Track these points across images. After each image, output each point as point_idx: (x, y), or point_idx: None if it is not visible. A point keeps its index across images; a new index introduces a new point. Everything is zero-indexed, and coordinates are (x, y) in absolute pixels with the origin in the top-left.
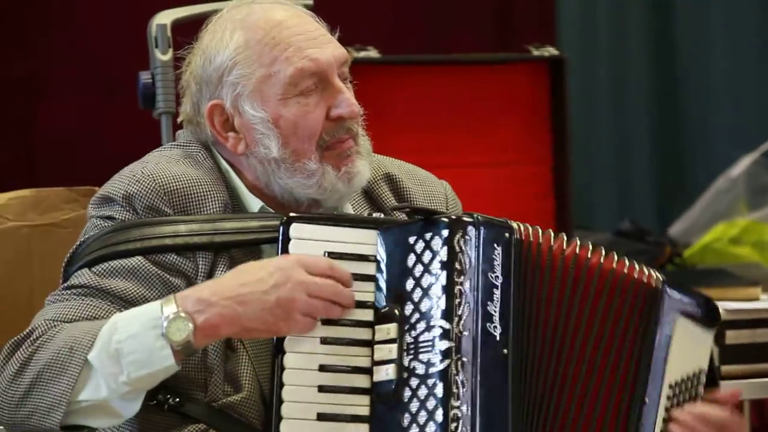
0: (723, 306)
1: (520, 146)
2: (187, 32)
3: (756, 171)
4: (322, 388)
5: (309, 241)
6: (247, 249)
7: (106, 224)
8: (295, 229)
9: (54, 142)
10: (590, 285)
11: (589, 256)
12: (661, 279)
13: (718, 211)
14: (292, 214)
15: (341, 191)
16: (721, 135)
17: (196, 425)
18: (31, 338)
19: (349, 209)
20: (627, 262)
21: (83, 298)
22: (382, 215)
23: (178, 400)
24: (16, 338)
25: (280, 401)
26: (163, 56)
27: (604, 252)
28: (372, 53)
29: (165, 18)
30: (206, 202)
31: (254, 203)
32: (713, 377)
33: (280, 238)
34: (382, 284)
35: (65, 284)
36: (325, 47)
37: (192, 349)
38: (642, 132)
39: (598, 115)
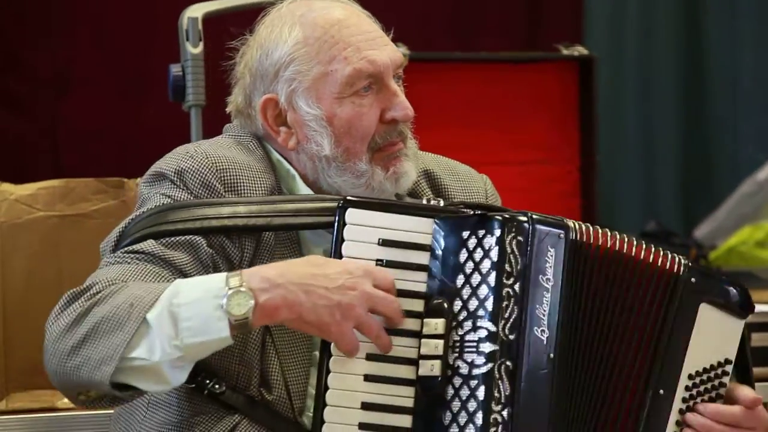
0: None
1: (548, 145)
2: (213, 29)
3: None
4: (367, 377)
5: (364, 227)
6: (289, 241)
7: (164, 200)
8: (351, 215)
9: (81, 134)
10: (625, 279)
11: (625, 249)
12: (683, 263)
13: (744, 214)
14: (349, 198)
15: (388, 191)
16: (749, 137)
17: (229, 418)
18: (91, 292)
19: None
20: (653, 248)
21: (145, 264)
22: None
23: (218, 386)
24: (73, 290)
25: (326, 388)
26: (193, 49)
27: (635, 242)
28: (402, 50)
29: (196, 11)
30: (254, 186)
31: (306, 192)
32: (746, 369)
33: (336, 222)
34: (435, 274)
35: (127, 248)
36: (383, 49)
37: (248, 327)
38: (669, 133)
39: (625, 115)
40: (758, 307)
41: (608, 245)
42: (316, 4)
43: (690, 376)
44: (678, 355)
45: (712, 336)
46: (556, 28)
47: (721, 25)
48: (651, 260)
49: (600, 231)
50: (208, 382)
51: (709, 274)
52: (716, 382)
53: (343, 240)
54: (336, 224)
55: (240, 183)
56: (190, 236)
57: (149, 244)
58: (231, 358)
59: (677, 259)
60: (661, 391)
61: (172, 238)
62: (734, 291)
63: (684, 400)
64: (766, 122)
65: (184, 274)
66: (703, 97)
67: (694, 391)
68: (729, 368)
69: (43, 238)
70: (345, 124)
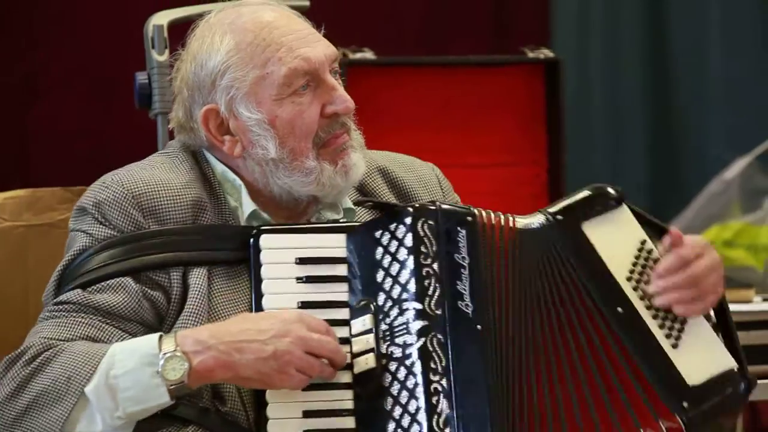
0: None
1: (516, 148)
2: (179, 37)
3: (750, 174)
4: (305, 387)
5: (280, 250)
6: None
7: (84, 240)
8: (265, 240)
9: (49, 142)
10: (520, 251)
11: (503, 223)
12: (542, 214)
13: (711, 214)
14: (262, 227)
15: (340, 185)
16: (716, 137)
17: (184, 429)
18: (26, 357)
19: (348, 203)
20: (517, 218)
21: (74, 315)
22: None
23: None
24: (10, 356)
25: (265, 403)
26: (159, 57)
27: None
28: (368, 54)
29: (162, 19)
30: (174, 205)
31: (247, 207)
32: (661, 230)
33: (251, 249)
34: (355, 283)
35: (54, 300)
36: (315, 45)
37: (186, 389)
38: (636, 134)
39: (592, 117)
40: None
41: (509, 226)
42: (244, 9)
43: (628, 278)
44: (604, 276)
45: (614, 236)
46: (522, 31)
47: (688, 26)
48: (522, 227)
49: (502, 216)
50: None
51: (569, 206)
52: (650, 263)
53: (260, 265)
54: (252, 252)
55: (158, 205)
56: (116, 278)
57: (75, 294)
58: None
59: (540, 214)
60: (620, 309)
61: (99, 284)
62: (595, 196)
63: (641, 298)
64: (734, 122)
65: (117, 315)
66: (670, 98)
67: (641, 284)
68: (648, 244)
69: (9, 249)
70: (287, 125)
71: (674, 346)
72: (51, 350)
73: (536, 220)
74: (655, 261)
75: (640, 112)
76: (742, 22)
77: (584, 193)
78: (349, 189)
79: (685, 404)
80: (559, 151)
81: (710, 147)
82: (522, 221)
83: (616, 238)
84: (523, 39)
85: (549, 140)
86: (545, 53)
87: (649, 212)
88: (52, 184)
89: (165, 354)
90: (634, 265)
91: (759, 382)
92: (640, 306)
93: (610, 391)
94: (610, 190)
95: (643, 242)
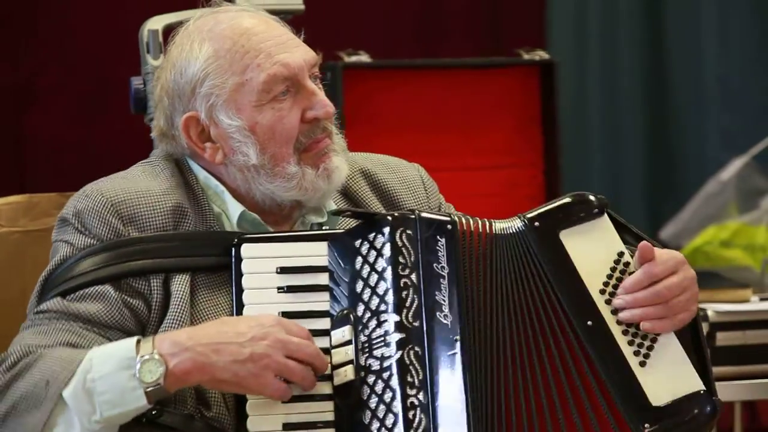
0: (714, 308)
1: (512, 150)
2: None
3: (747, 174)
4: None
5: (261, 259)
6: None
7: (65, 249)
8: (246, 250)
9: (44, 148)
10: (493, 259)
11: (480, 230)
12: (520, 219)
13: (709, 214)
14: (243, 236)
15: (322, 189)
16: (712, 138)
17: None
18: (6, 364)
19: (332, 206)
20: (495, 223)
21: (55, 322)
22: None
23: (155, 412)
24: None
25: (245, 415)
26: (154, 61)
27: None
28: (363, 57)
29: (156, 23)
30: (152, 213)
31: (234, 210)
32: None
33: (233, 259)
34: (337, 291)
35: (35, 309)
36: (294, 51)
37: (163, 392)
38: (633, 135)
39: (589, 118)
40: (723, 307)
41: (485, 233)
42: (223, 16)
43: (602, 291)
44: (576, 285)
45: (591, 246)
46: (518, 33)
47: (684, 27)
48: (495, 232)
49: (480, 222)
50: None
51: (548, 212)
52: (626, 276)
53: (241, 274)
54: (233, 261)
55: (138, 212)
56: (96, 286)
57: (56, 302)
58: None
59: (512, 221)
60: (590, 322)
61: (79, 292)
62: (575, 203)
63: (613, 312)
64: (731, 122)
65: (98, 323)
66: (667, 99)
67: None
68: (626, 257)
69: (6, 254)
70: (268, 131)
71: (642, 364)
72: (31, 356)
73: (513, 225)
74: (631, 274)
75: (637, 112)
76: (738, 23)
77: (565, 200)
78: (333, 192)
79: (646, 425)
80: (555, 153)
81: (707, 147)
82: (499, 226)
83: (593, 249)
84: (519, 41)
85: (545, 142)
86: (540, 55)
87: (646, 213)
88: (48, 188)
89: (142, 357)
90: (609, 277)
91: (757, 381)
92: (611, 320)
93: (578, 404)
94: (592, 198)
95: (621, 254)
